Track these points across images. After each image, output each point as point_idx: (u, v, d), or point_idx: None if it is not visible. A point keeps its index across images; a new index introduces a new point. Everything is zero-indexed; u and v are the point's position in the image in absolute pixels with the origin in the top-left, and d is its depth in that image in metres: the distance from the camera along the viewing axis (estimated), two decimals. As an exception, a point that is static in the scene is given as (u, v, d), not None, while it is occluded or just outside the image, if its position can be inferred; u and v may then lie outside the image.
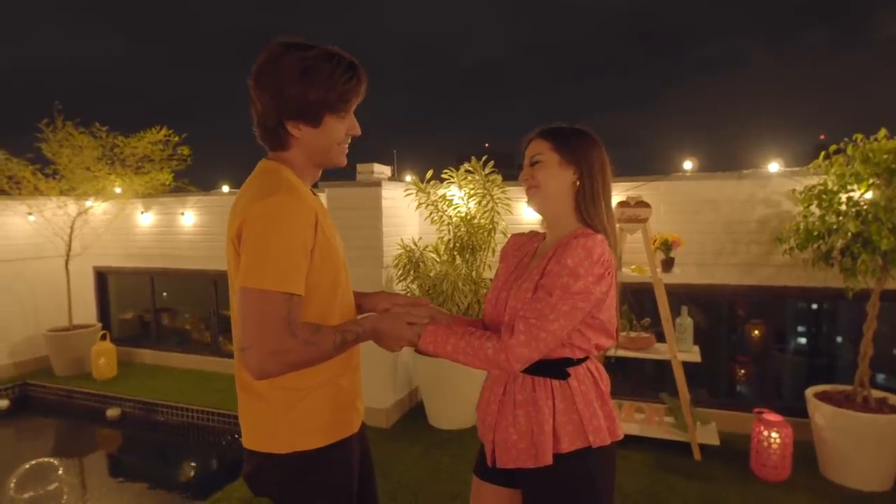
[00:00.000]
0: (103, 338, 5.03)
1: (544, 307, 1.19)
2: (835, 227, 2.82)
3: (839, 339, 3.65)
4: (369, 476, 1.40)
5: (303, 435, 1.17)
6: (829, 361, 3.65)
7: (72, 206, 5.12)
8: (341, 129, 1.21)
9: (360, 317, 1.29)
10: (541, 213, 1.39)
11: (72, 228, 5.09)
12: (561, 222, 1.35)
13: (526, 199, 1.39)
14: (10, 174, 4.82)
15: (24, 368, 5.22)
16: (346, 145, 1.27)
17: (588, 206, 1.31)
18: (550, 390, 1.27)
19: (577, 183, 1.31)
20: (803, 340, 3.76)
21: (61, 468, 2.59)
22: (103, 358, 4.94)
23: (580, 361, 1.30)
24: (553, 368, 1.27)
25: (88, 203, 5.15)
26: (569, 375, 1.27)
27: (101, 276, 5.77)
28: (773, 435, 2.90)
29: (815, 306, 3.65)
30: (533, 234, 1.48)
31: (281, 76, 1.14)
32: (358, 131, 1.25)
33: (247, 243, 1.08)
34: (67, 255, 5.10)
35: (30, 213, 5.16)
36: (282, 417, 1.17)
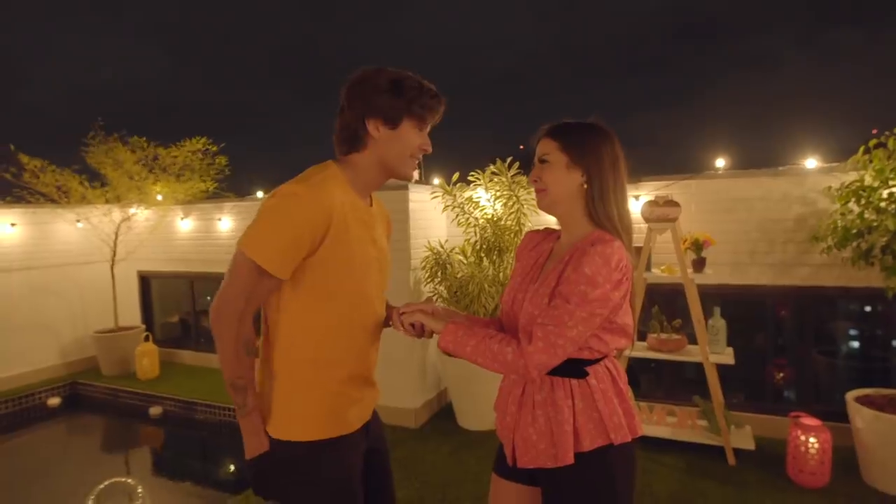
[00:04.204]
0: (146, 339, 5.24)
1: (562, 314, 1.18)
2: (874, 224, 2.72)
3: (882, 340, 3.50)
4: (382, 471, 1.43)
5: (296, 425, 1.25)
6: (872, 364, 3.50)
7: (116, 213, 5.35)
8: (416, 139, 1.27)
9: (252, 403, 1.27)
10: (551, 215, 1.37)
11: (116, 234, 5.31)
12: (573, 224, 1.34)
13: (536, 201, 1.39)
14: (58, 184, 5.08)
15: (74, 368, 5.49)
16: (417, 160, 1.32)
17: (598, 208, 1.29)
18: (570, 390, 1.26)
19: (586, 185, 1.29)
20: (844, 342, 3.62)
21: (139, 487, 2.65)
22: (146, 358, 5.14)
23: (598, 360, 1.29)
24: (571, 368, 1.27)
25: (132, 210, 5.38)
26: (587, 374, 1.27)
27: (145, 280, 6.01)
28: (811, 440, 2.80)
29: (856, 307, 3.51)
30: (548, 232, 1.46)
31: (371, 86, 1.24)
32: (429, 149, 1.32)
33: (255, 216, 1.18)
34: (113, 260, 5.33)
35: (78, 220, 5.43)
36: (282, 404, 1.26)
